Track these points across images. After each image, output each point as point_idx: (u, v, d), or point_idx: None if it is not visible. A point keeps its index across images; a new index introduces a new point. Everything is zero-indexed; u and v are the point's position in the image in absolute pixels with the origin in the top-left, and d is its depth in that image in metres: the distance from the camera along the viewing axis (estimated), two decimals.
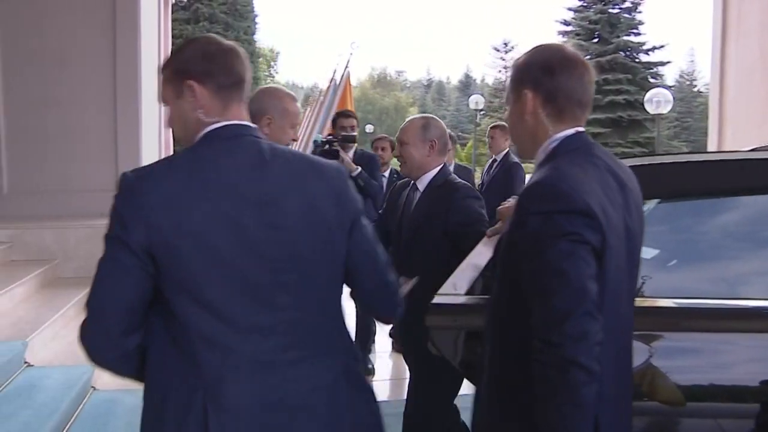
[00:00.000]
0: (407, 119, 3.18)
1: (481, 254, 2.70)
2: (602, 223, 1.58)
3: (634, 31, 35.30)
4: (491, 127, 6.74)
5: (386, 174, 5.81)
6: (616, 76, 34.01)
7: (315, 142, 5.61)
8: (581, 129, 1.82)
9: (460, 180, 3.15)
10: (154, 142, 8.16)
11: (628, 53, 35.21)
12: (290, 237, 1.60)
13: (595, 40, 34.70)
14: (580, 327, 1.49)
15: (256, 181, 1.59)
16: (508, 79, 1.91)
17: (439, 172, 3.12)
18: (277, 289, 1.59)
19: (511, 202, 2.64)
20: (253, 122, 2.82)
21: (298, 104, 3.08)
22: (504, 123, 6.49)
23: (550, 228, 1.55)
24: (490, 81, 58.77)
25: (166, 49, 8.81)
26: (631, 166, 1.91)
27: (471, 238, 2.88)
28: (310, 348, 1.65)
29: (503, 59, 43.36)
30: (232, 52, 1.69)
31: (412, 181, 3.19)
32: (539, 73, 1.77)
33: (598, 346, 1.50)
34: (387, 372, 5.50)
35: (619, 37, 34.35)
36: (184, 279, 1.53)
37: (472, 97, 34.16)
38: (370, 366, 5.31)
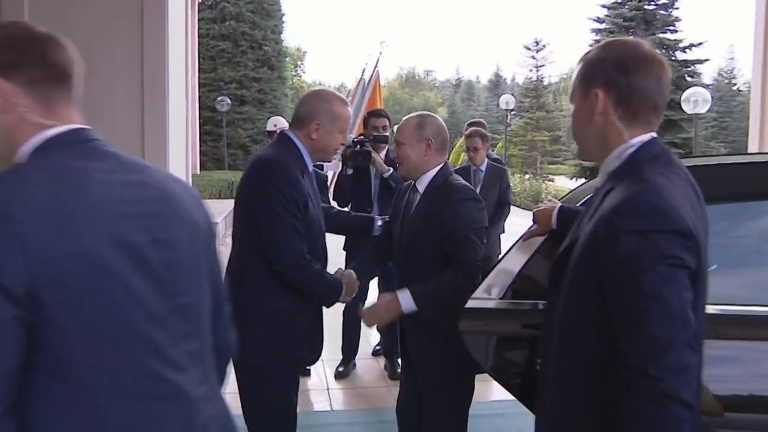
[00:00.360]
0: (403, 118, 3.10)
1: (514, 259, 2.69)
2: (699, 245, 1.50)
3: (671, 28, 34.81)
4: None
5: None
6: None
7: None
8: (655, 134, 1.70)
9: (460, 181, 3.04)
10: (181, 143, 8.24)
11: (664, 51, 34.69)
12: (178, 254, 1.40)
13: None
14: (681, 360, 1.40)
15: (133, 193, 1.37)
16: (575, 75, 1.80)
17: (438, 172, 3.01)
18: (176, 315, 1.37)
19: (547, 204, 2.63)
20: (301, 127, 2.87)
21: (349, 109, 3.02)
22: (482, 122, 6.44)
23: (648, 249, 1.45)
24: (520, 80, 58.33)
25: (194, 49, 8.89)
26: None
27: (458, 244, 2.82)
28: (212, 380, 1.49)
29: (534, 58, 42.94)
30: (49, 39, 1.46)
31: (413, 183, 3.12)
32: (613, 71, 1.66)
33: (697, 380, 1.43)
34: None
35: (654, 34, 33.86)
36: (83, 316, 1.21)
37: (502, 97, 33.95)
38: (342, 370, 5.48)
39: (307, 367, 5.26)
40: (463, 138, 7.55)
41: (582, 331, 1.63)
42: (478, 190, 5.79)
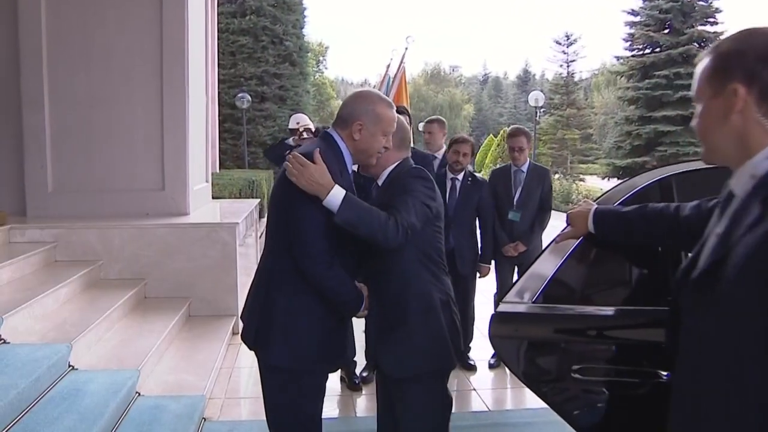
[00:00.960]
0: None
1: (548, 262, 2.67)
2: None
3: (710, 19, 34.25)
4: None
5: (459, 177, 5.68)
6: (689, 69, 32.96)
7: None
8: None
9: (417, 166, 3.04)
10: (201, 141, 8.29)
11: (703, 44, 34.24)
12: None
13: (666, 31, 33.80)
14: None
15: None
16: (700, 70, 1.65)
17: (397, 165, 3.03)
18: None
19: (582, 205, 2.60)
20: (343, 127, 2.89)
21: (394, 111, 3.00)
22: (441, 118, 6.30)
23: None
24: (550, 76, 58.11)
25: (213, 44, 8.93)
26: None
27: (398, 201, 2.77)
28: None
29: (565, 53, 42.69)
30: None
31: (375, 180, 3.13)
32: (756, 64, 1.50)
33: None
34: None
35: (693, 26, 33.38)
36: None
37: (531, 93, 33.77)
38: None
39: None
40: (489, 137, 7.49)
41: (763, 367, 1.38)
42: (518, 193, 5.81)
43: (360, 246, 2.84)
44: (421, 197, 2.86)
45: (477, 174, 5.84)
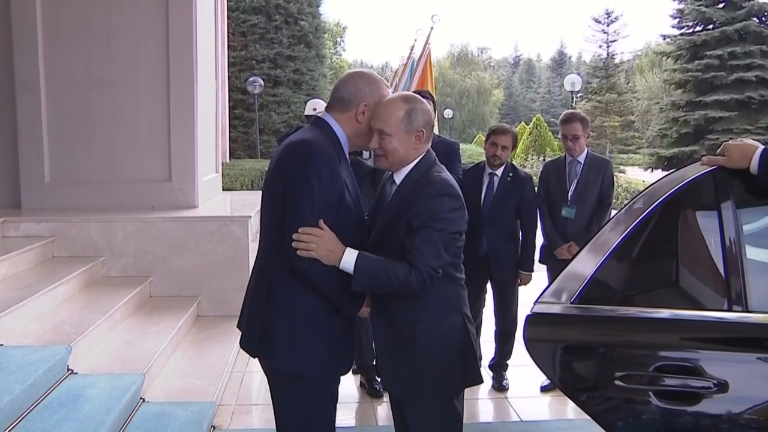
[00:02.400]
0: (384, 102, 2.95)
1: (586, 261, 2.66)
2: None
3: None
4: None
5: (498, 173, 5.38)
6: (746, 48, 32.37)
7: None
8: None
9: (442, 174, 2.92)
10: (210, 128, 8.30)
11: (763, 20, 33.65)
12: None
13: (721, 5, 33.14)
14: None
15: None
16: None
17: (419, 162, 2.95)
18: None
19: (747, 141, 2.55)
20: (344, 110, 2.90)
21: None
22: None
23: None
24: (588, 58, 57.73)
25: (223, 23, 8.92)
26: None
27: (421, 239, 2.75)
28: None
29: (604, 32, 42.39)
30: None
31: (391, 173, 3.05)
32: None
33: None
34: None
35: (751, 0, 32.88)
36: None
37: (567, 77, 33.59)
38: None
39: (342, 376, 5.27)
40: (521, 125, 7.33)
41: None
42: (573, 187, 5.53)
43: (358, 242, 2.87)
44: (448, 227, 2.80)
45: (520, 169, 5.56)
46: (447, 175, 2.95)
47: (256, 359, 3.00)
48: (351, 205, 2.88)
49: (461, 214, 2.87)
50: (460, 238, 2.91)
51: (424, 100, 3.00)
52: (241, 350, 3.07)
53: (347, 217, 2.85)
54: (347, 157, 2.96)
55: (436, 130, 3.81)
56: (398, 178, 2.98)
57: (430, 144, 3.03)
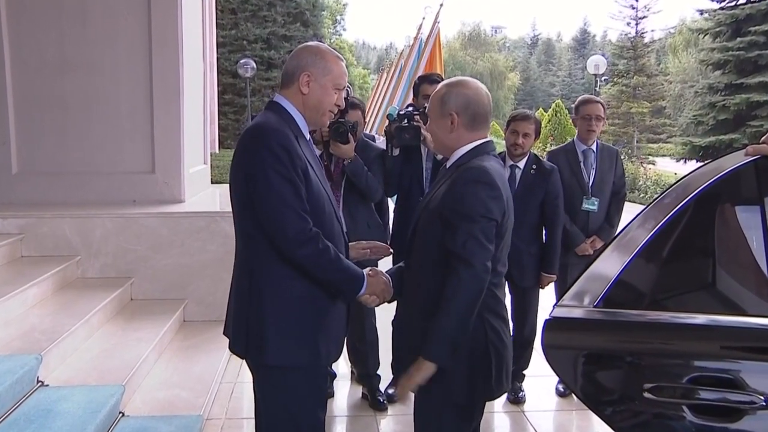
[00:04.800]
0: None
1: (610, 261, 2.66)
2: None
3: None
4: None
5: (521, 165, 5.32)
6: None
7: (389, 116, 5.49)
8: None
9: (484, 162, 2.98)
10: (197, 115, 8.28)
11: None
12: None
13: None
14: None
15: None
16: None
17: (468, 151, 3.02)
18: None
19: None
20: (289, 84, 3.04)
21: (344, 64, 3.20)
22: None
23: None
24: (614, 37, 57.49)
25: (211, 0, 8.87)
26: None
27: (460, 237, 2.83)
28: None
29: (633, 8, 41.96)
30: None
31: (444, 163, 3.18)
32: None
33: None
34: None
35: None
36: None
37: (591, 58, 33.51)
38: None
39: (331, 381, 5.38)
40: (539, 111, 7.25)
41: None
42: (591, 178, 5.55)
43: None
44: (484, 212, 2.86)
45: (544, 161, 5.48)
46: (490, 162, 3.00)
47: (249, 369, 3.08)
48: (318, 184, 3.02)
49: (497, 204, 2.90)
50: (504, 226, 2.97)
51: (471, 84, 3.07)
52: (231, 359, 3.15)
53: (318, 196, 2.99)
54: (306, 136, 3.11)
55: None
56: (449, 164, 3.11)
57: (486, 135, 3.11)
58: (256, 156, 2.88)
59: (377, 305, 3.27)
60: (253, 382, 3.15)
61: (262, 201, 2.87)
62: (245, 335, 3.00)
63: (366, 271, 3.11)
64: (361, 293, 3.05)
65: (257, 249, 2.96)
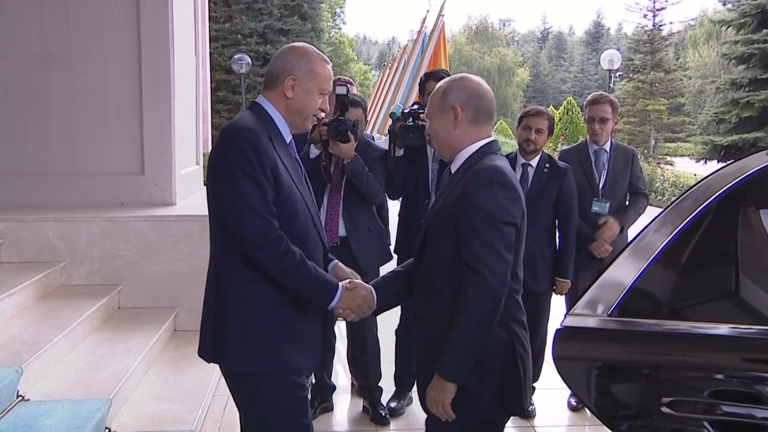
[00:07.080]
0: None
1: (626, 268, 2.66)
2: None
3: None
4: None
5: (533, 163, 5.34)
6: None
7: (392, 115, 5.49)
8: None
9: (496, 162, 2.97)
10: (189, 112, 8.29)
11: None
12: None
13: None
14: None
15: None
16: None
17: (477, 151, 3.02)
18: None
19: None
20: (273, 86, 3.09)
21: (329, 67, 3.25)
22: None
23: None
24: (629, 30, 57.61)
25: None
26: None
27: (476, 243, 2.82)
28: None
29: None
30: None
31: (448, 166, 3.16)
32: None
33: None
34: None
35: None
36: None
37: (605, 53, 33.47)
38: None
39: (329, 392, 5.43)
40: (549, 109, 7.21)
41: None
42: (603, 179, 5.57)
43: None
44: (504, 217, 2.85)
45: (557, 160, 5.51)
46: (502, 162, 3.00)
47: None
48: (291, 186, 3.06)
49: (516, 206, 2.91)
50: (515, 233, 2.93)
51: (473, 78, 3.09)
52: None
53: (291, 199, 3.04)
54: (286, 139, 3.16)
55: None
56: (454, 168, 3.09)
57: (490, 132, 3.10)
58: (223, 154, 2.96)
59: (353, 320, 3.28)
60: (229, 390, 3.23)
61: (226, 200, 2.95)
62: (211, 339, 3.07)
63: (344, 282, 3.12)
64: (332, 305, 3.07)
65: (225, 251, 3.04)
